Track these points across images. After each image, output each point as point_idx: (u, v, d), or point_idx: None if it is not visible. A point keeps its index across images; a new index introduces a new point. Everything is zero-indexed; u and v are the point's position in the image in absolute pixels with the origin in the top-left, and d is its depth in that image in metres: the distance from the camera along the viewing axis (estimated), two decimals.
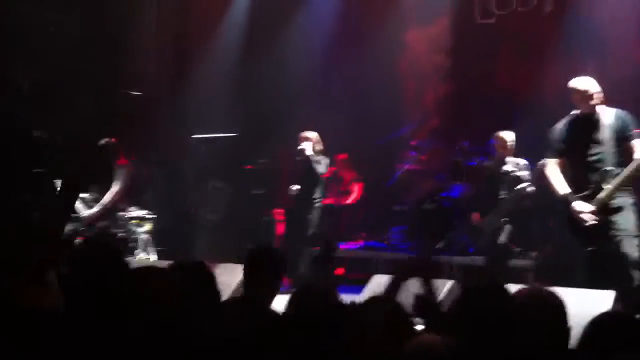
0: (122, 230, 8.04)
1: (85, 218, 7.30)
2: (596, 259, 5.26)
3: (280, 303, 3.25)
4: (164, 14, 10.62)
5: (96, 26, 9.47)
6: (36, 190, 7.22)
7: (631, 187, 5.29)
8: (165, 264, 5.33)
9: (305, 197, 8.07)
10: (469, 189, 8.52)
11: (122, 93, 9.88)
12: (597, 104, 5.32)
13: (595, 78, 5.46)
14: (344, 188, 9.94)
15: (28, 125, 7.82)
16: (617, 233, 5.17)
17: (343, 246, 9.55)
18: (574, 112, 5.46)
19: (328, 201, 8.93)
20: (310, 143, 7.92)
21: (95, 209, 7.35)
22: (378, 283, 5.53)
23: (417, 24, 10.36)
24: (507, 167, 7.11)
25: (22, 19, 8.65)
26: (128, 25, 10.03)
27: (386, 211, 9.59)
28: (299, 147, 7.91)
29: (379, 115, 9.99)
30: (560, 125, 5.51)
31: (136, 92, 10.01)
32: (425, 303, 3.15)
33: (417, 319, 3.11)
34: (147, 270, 2.69)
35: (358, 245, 9.60)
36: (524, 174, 7.02)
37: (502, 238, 6.99)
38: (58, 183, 7.23)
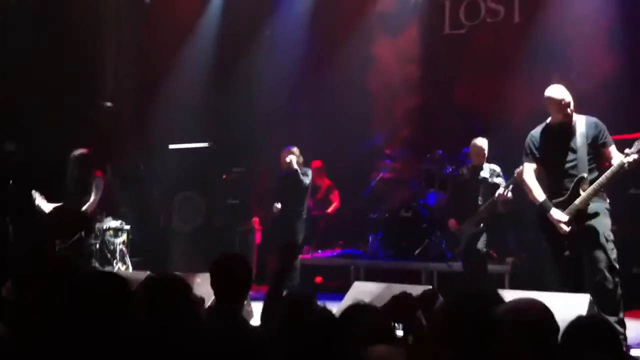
0: (98, 241, 7.97)
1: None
2: (571, 264, 5.30)
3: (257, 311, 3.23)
4: (133, 27, 10.61)
5: (65, 39, 9.44)
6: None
7: (604, 192, 5.35)
8: (142, 274, 5.27)
9: (291, 208, 8.08)
10: (445, 196, 8.55)
11: (93, 105, 9.84)
12: (572, 113, 5.39)
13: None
14: (321, 196, 9.95)
15: None
16: (592, 238, 5.21)
17: (320, 254, 9.54)
18: (549, 119, 5.51)
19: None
20: (294, 157, 7.99)
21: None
22: (359, 290, 5.54)
23: (385, 35, 10.43)
24: (483, 174, 7.15)
25: None
26: (96, 39, 10.00)
27: (363, 219, 9.60)
28: (287, 160, 7.94)
29: (351, 125, 10.04)
30: (536, 132, 5.56)
31: (107, 104, 9.99)
32: (402, 309, 3.13)
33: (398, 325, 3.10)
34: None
35: (335, 253, 9.61)
36: (500, 180, 7.07)
37: (479, 244, 7.02)
38: (36, 195, 7.16)
